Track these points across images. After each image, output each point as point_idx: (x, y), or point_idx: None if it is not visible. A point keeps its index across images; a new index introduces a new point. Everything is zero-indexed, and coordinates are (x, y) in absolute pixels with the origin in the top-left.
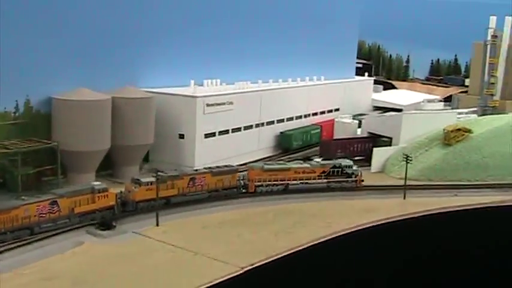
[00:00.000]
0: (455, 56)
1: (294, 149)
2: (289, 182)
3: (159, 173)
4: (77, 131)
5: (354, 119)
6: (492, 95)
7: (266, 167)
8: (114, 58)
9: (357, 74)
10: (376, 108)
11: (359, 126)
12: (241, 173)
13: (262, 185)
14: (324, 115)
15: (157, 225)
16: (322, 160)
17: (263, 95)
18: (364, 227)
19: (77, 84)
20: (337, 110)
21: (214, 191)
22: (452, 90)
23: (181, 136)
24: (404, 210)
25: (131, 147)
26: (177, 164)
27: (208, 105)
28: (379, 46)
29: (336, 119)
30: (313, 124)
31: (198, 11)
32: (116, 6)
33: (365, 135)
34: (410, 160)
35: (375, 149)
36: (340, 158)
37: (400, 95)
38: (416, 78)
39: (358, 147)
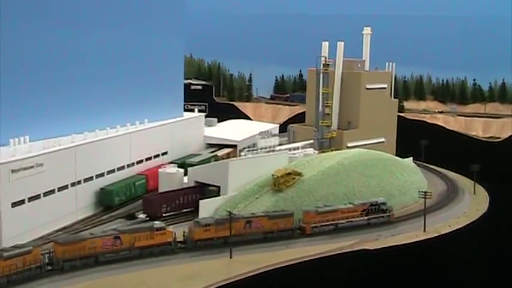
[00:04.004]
0: (300, 71)
1: (116, 205)
2: (338, 221)
3: None
4: None
5: (182, 163)
6: (328, 126)
7: (320, 210)
8: None
9: (196, 97)
10: (210, 145)
11: (185, 174)
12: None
13: (316, 226)
14: (150, 161)
15: None
16: (146, 217)
17: (77, 151)
18: None
19: None
20: (165, 153)
21: (269, 233)
22: (299, 109)
23: None
24: (230, 272)
25: None
26: None
27: (13, 171)
28: (219, 64)
29: (160, 170)
30: (138, 174)
31: None
32: None
33: (192, 185)
34: (235, 215)
35: (201, 202)
36: (166, 213)
37: (235, 128)
38: (261, 97)
39: (185, 199)
